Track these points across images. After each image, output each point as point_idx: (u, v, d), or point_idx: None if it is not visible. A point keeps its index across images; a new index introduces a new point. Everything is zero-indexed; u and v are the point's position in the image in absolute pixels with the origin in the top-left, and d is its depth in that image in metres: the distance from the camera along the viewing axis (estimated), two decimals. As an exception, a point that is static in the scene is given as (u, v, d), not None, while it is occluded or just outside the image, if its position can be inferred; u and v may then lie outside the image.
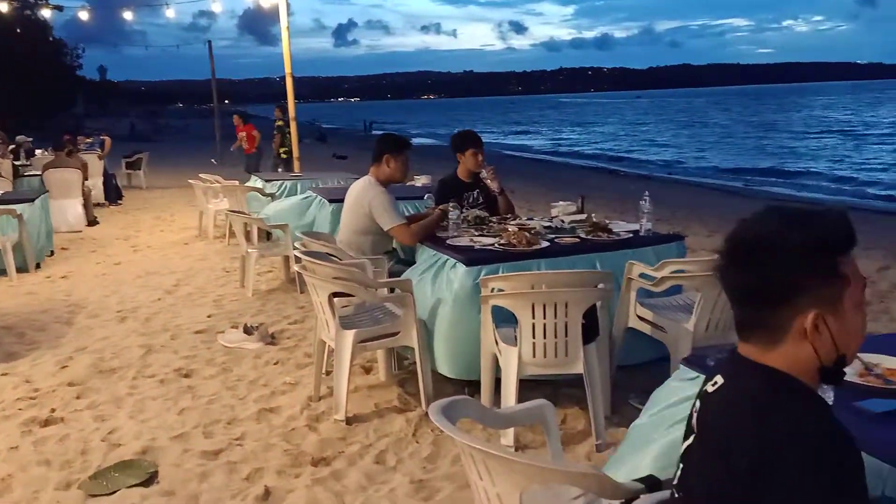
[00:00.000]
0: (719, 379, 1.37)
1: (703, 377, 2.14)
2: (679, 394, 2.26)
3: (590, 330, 3.38)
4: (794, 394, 1.26)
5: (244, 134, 13.96)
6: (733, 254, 1.31)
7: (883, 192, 17.22)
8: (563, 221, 4.62)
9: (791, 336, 1.28)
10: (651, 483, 1.66)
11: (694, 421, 1.40)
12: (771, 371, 1.29)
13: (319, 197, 6.83)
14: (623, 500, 1.67)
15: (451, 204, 4.38)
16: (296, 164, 11.05)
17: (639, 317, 3.83)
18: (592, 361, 3.38)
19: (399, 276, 4.10)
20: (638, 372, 4.06)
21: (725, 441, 1.26)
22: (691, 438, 1.39)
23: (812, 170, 23.93)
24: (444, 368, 3.86)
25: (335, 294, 3.77)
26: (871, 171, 22.85)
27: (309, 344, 4.77)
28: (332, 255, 4.15)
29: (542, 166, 26.38)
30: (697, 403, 1.40)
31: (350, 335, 3.60)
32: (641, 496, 1.62)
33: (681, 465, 1.42)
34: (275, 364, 4.54)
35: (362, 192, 4.47)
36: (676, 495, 1.42)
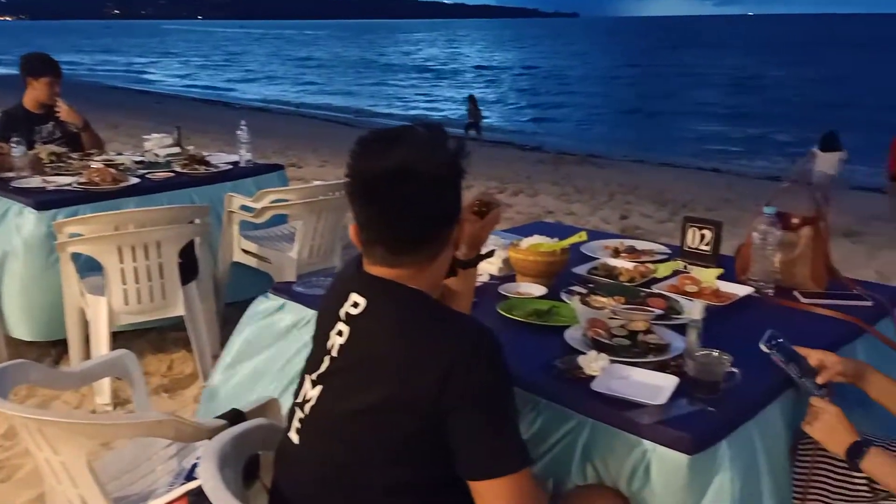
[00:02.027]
0: (359, 299, 1.33)
1: (289, 302, 2.18)
2: (269, 321, 2.25)
3: (188, 269, 3.21)
4: (446, 311, 1.36)
5: None
6: (375, 192, 1.28)
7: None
8: (156, 155, 4.27)
9: (447, 247, 1.36)
10: (233, 416, 1.62)
11: (332, 344, 1.34)
12: (412, 291, 1.32)
13: None
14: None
15: (13, 139, 3.73)
16: None
17: (243, 250, 3.76)
18: (194, 302, 3.23)
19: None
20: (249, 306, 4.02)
21: (398, 364, 1.25)
22: (326, 363, 1.35)
23: (412, 108, 26.31)
24: (21, 331, 3.35)
25: None
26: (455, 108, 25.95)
27: None
28: None
29: (150, 98, 24.43)
30: (342, 326, 1.34)
31: None
32: (226, 430, 1.56)
33: (313, 390, 1.36)
34: None
35: None
36: (302, 417, 1.37)
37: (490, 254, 1.74)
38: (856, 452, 1.49)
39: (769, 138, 19.10)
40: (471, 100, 18.80)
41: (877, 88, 27.93)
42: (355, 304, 1.34)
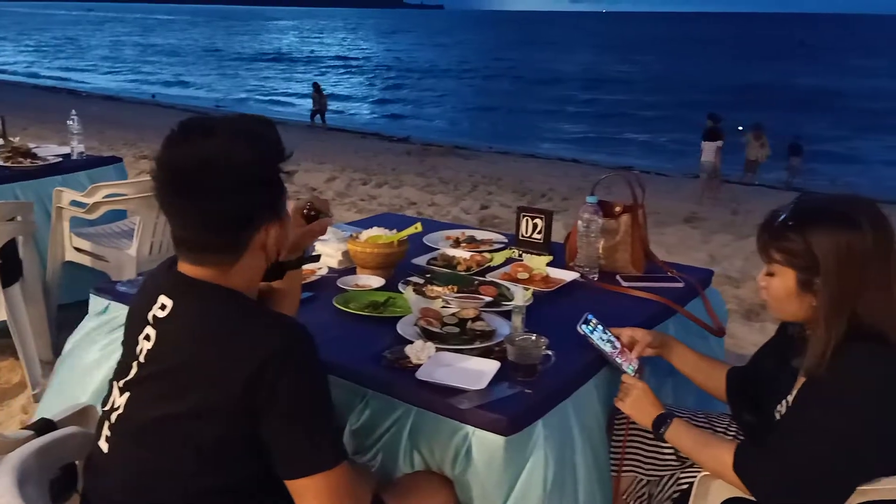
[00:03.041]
0: (167, 301, 1.28)
1: (114, 303, 2.08)
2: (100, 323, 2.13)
3: (10, 270, 2.98)
4: (256, 311, 1.30)
5: None
6: (181, 181, 1.22)
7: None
8: (-26, 148, 3.92)
9: (249, 252, 1.28)
10: (42, 426, 1.52)
11: (140, 349, 1.29)
12: (222, 290, 1.28)
13: None
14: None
15: None
16: None
17: (76, 248, 3.52)
18: (18, 305, 3.00)
19: None
20: (86, 307, 3.78)
21: (204, 370, 1.21)
22: (134, 369, 1.29)
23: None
24: None
25: None
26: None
27: None
28: None
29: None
30: (150, 330, 1.29)
31: None
32: (30, 442, 1.47)
33: (121, 397, 1.30)
34: None
35: None
36: (111, 425, 1.32)
37: (316, 258, 1.73)
38: (660, 424, 1.62)
39: (622, 131, 20.23)
40: (315, 87, 18.97)
41: (716, 85, 30.16)
42: (163, 307, 1.29)
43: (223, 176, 1.22)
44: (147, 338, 1.29)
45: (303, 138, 15.47)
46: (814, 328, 1.43)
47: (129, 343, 1.34)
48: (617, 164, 14.31)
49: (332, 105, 20.90)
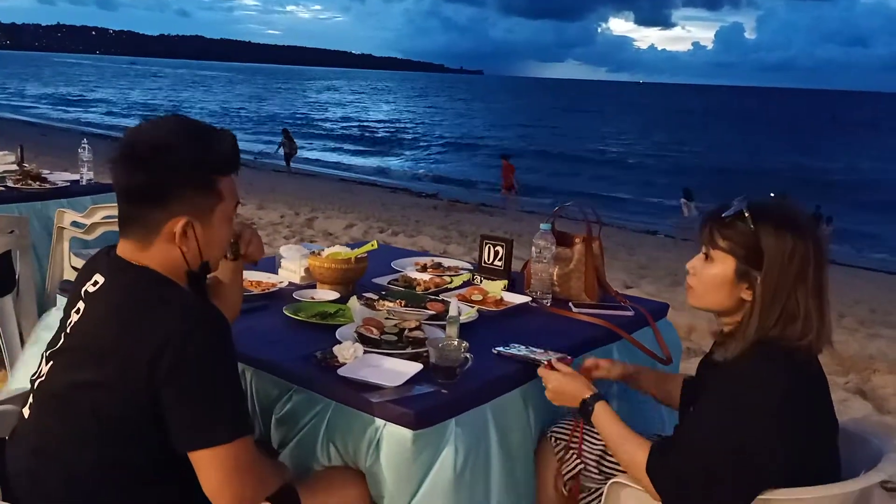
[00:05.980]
0: (99, 278, 1.38)
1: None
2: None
3: (1, 282, 3.11)
4: (171, 291, 1.36)
5: None
6: (127, 152, 1.35)
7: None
8: (-7, 171, 4.13)
9: (162, 237, 1.37)
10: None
11: (70, 321, 1.38)
12: (146, 270, 1.36)
13: None
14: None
15: None
16: None
17: (74, 268, 3.66)
18: (8, 316, 3.12)
19: None
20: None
21: (112, 344, 1.28)
22: (62, 339, 1.38)
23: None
24: None
25: None
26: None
27: None
28: None
29: (34, 130, 23.47)
30: (80, 304, 1.38)
31: None
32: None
33: (45, 366, 1.38)
34: None
35: None
36: (33, 392, 1.40)
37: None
38: (586, 406, 1.61)
39: (656, 195, 20.20)
40: (285, 133, 20.09)
41: (745, 157, 30.17)
42: (95, 283, 1.39)
43: (150, 153, 1.34)
44: (77, 311, 1.38)
45: (335, 189, 15.81)
46: (732, 320, 1.48)
47: (64, 317, 1.43)
48: (640, 227, 14.34)
49: (369, 160, 21.54)
